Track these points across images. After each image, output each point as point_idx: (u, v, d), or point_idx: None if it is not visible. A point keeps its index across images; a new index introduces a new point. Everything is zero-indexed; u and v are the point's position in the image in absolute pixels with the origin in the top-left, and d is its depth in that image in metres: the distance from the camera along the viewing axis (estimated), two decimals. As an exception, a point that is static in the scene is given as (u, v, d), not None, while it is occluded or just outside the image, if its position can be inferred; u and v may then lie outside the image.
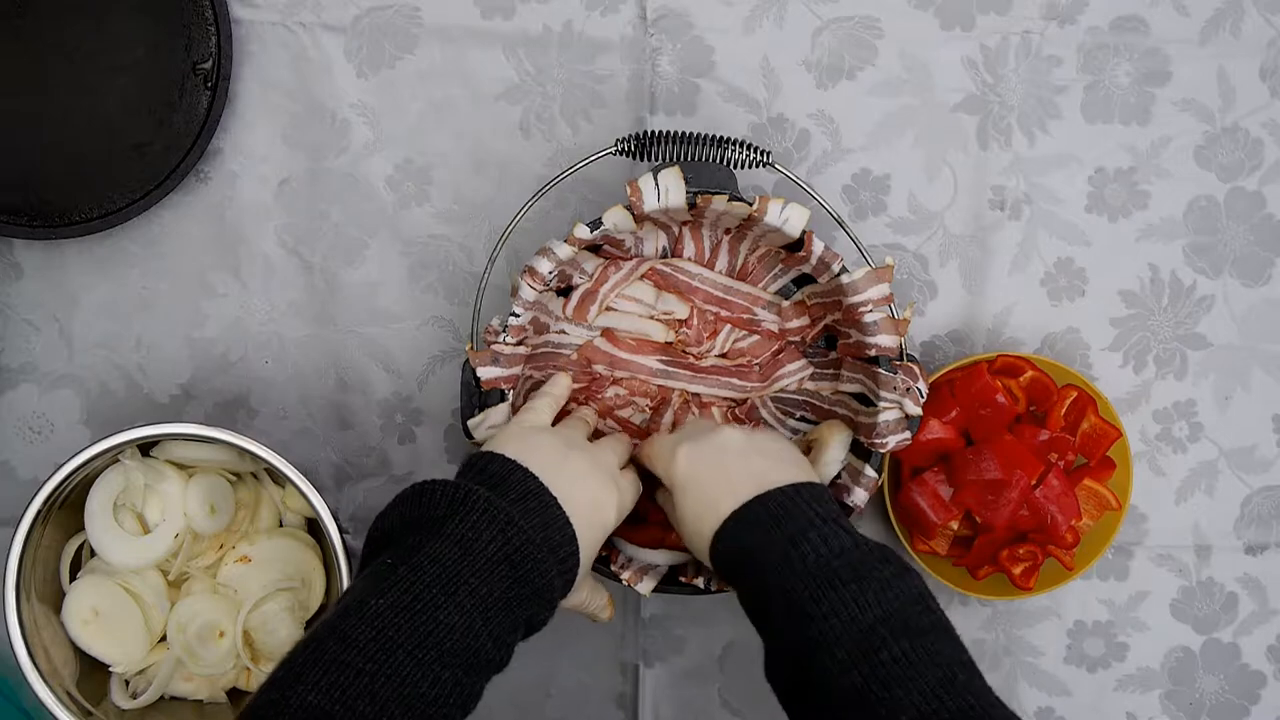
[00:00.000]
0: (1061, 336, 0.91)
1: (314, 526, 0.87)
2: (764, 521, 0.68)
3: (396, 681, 0.58)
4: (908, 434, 0.80)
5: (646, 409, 0.87)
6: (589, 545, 0.70)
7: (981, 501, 0.83)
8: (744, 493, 0.70)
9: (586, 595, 0.76)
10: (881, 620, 0.62)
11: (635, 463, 0.79)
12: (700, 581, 0.81)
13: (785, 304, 0.86)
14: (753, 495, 0.69)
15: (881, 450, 0.80)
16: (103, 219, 0.86)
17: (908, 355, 0.81)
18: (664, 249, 0.86)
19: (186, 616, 0.83)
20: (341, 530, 0.81)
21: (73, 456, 0.78)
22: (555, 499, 0.68)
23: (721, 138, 0.78)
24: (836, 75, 0.90)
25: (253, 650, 0.84)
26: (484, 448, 0.71)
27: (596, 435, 0.83)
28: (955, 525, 0.85)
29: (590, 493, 0.71)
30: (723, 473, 0.72)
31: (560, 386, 0.82)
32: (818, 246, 0.79)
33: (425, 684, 0.58)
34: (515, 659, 0.93)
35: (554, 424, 0.79)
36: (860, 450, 0.81)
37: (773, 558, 0.67)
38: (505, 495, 0.67)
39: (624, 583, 0.80)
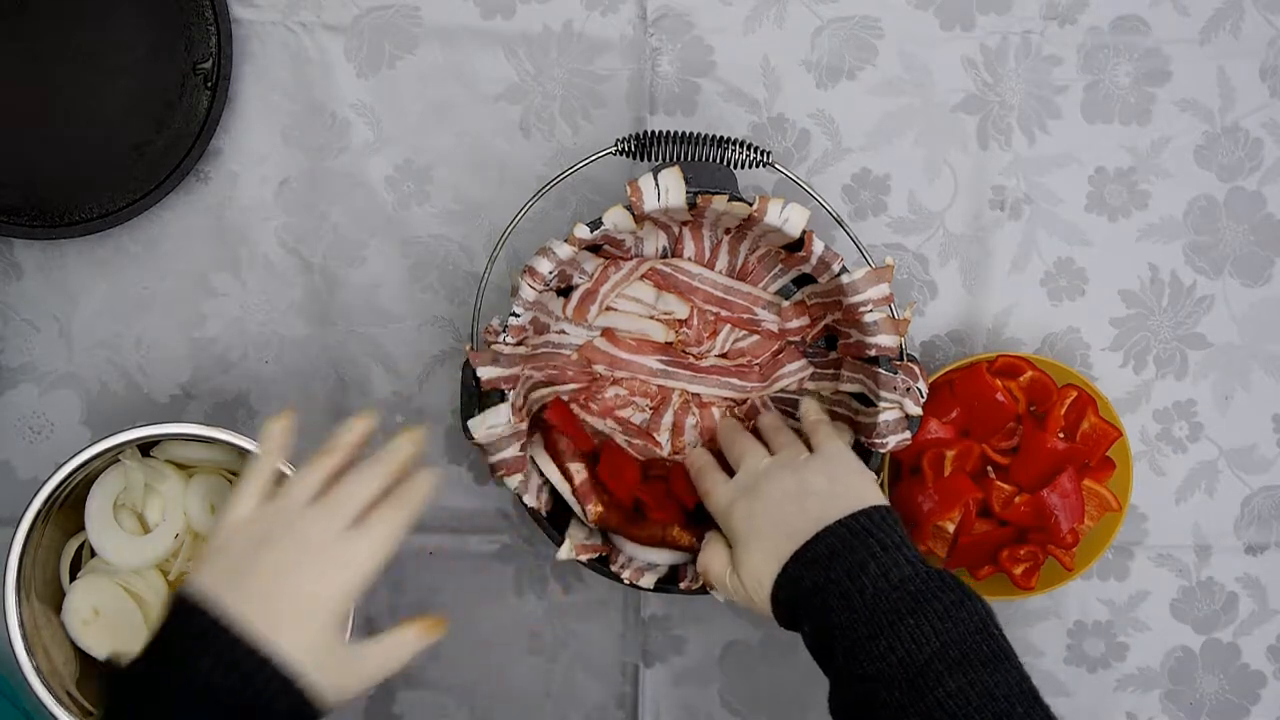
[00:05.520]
0: (1061, 336, 0.91)
1: (314, 526, 0.86)
2: (822, 558, 0.68)
3: None
4: (908, 434, 0.80)
5: (646, 409, 0.87)
6: (320, 647, 0.61)
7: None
8: (801, 536, 0.69)
9: (380, 663, 0.64)
10: (938, 654, 0.62)
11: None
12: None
13: (785, 304, 0.86)
14: (811, 535, 0.69)
15: (881, 450, 0.80)
16: (103, 219, 0.86)
17: (908, 355, 0.81)
18: (664, 249, 0.86)
19: (186, 616, 0.83)
20: (341, 530, 0.81)
21: (73, 456, 0.78)
22: (238, 639, 0.58)
23: (721, 138, 0.78)
24: (836, 75, 0.90)
25: (253, 650, 0.84)
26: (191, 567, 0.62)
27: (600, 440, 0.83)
28: (950, 525, 0.85)
29: (296, 588, 0.61)
30: (778, 522, 0.71)
31: (271, 440, 0.69)
32: (818, 246, 0.79)
33: None
34: (515, 659, 0.93)
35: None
36: (860, 450, 0.81)
37: (832, 596, 0.67)
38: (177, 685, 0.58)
39: (625, 581, 0.80)
